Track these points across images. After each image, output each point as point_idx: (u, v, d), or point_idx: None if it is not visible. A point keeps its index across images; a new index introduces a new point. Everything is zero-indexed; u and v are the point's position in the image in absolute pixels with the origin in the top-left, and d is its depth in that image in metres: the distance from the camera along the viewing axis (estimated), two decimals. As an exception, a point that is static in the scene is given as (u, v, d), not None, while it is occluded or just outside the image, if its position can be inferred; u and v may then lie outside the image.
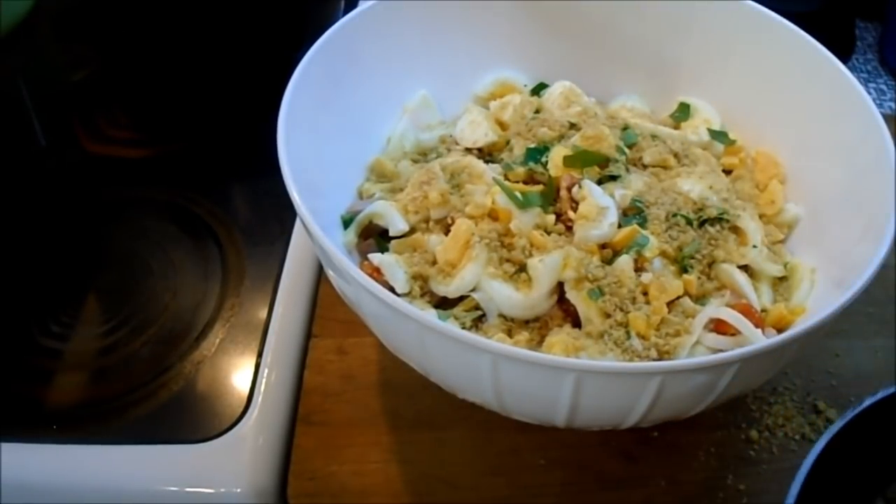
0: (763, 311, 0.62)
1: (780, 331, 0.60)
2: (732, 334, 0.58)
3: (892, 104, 1.06)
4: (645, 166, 0.68)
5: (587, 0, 0.74)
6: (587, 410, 0.52)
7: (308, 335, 0.72)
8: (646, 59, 0.76)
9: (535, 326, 0.60)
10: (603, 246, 0.61)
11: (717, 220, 0.63)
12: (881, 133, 0.61)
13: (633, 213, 0.63)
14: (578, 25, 0.76)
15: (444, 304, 0.61)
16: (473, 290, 0.60)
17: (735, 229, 0.64)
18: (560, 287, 0.59)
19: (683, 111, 0.75)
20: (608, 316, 0.57)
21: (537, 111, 0.72)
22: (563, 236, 0.61)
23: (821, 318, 0.51)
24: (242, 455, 0.64)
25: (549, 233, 0.61)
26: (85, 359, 0.71)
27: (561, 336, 0.57)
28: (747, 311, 0.59)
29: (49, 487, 0.63)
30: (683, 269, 0.61)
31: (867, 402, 0.43)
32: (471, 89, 0.77)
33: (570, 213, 0.61)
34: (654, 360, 0.56)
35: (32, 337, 0.72)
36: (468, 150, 0.71)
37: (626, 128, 0.69)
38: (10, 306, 0.75)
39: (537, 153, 0.66)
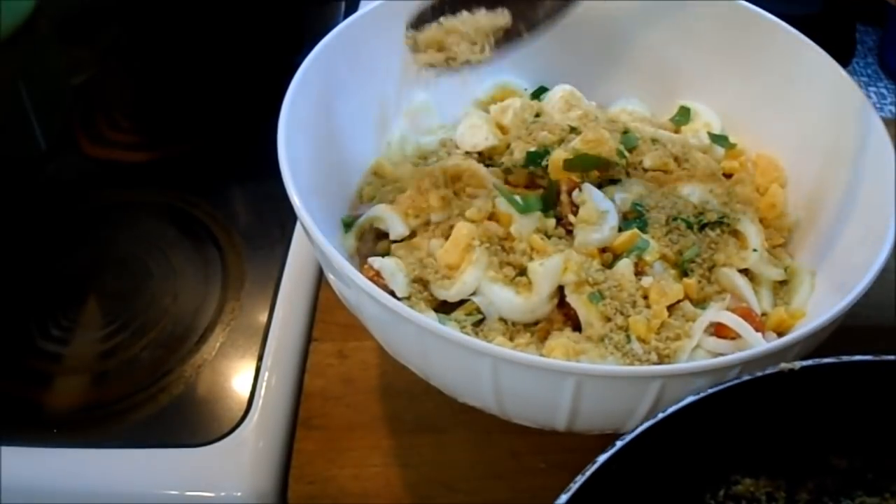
0: (763, 314, 0.62)
1: (780, 334, 0.60)
2: (733, 338, 0.58)
3: (893, 108, 1.07)
4: (645, 170, 0.68)
5: (588, 2, 0.74)
6: (588, 414, 0.52)
7: (308, 339, 0.72)
8: (646, 62, 0.76)
9: (535, 330, 0.60)
10: (603, 250, 0.61)
11: (718, 223, 0.63)
12: (881, 137, 0.61)
13: (633, 216, 0.63)
14: (578, 29, 0.75)
15: (444, 307, 0.61)
16: (474, 293, 0.60)
17: (735, 233, 0.64)
18: (560, 291, 0.59)
19: (684, 115, 0.75)
20: (608, 319, 0.57)
21: (537, 115, 0.72)
22: (564, 240, 0.61)
23: (821, 322, 0.51)
24: (243, 459, 0.64)
25: (549, 237, 0.61)
26: (85, 362, 0.71)
27: (561, 340, 0.57)
28: (748, 314, 0.59)
29: (49, 491, 0.63)
30: (684, 273, 0.61)
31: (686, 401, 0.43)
32: (471, 93, 0.77)
33: (571, 217, 0.61)
34: (655, 363, 0.56)
35: (32, 340, 0.72)
36: (468, 154, 0.70)
37: (626, 132, 0.69)
38: (11, 309, 0.75)
39: (537, 157, 0.66)
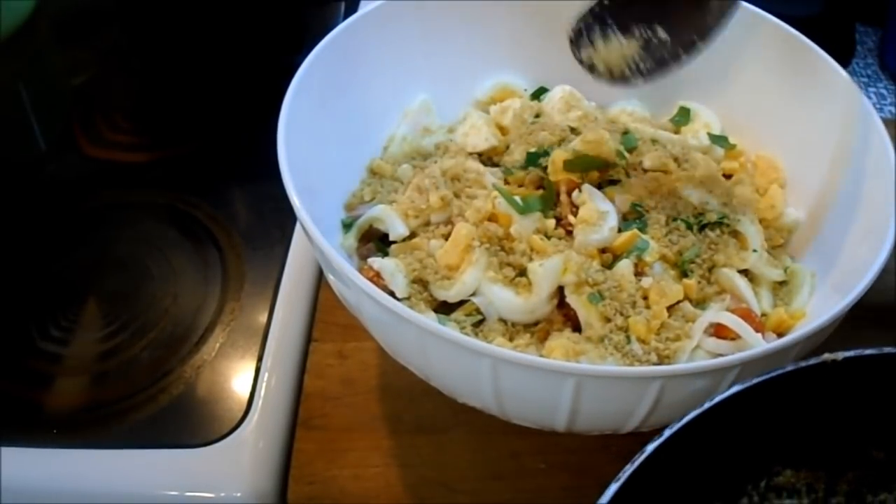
0: (763, 315, 0.62)
1: (780, 335, 0.60)
2: (733, 339, 0.58)
3: (893, 108, 1.06)
4: (645, 171, 0.68)
5: (587, 3, 0.74)
6: (587, 415, 0.52)
7: (308, 339, 0.72)
8: (646, 63, 0.76)
9: (535, 331, 0.60)
10: (603, 250, 0.61)
11: (717, 224, 0.63)
12: (881, 137, 0.61)
13: (633, 217, 0.63)
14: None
15: (444, 308, 0.61)
16: (473, 294, 0.60)
17: (735, 234, 0.64)
18: (560, 291, 0.59)
19: (683, 115, 0.75)
20: (608, 320, 0.57)
21: (537, 115, 0.72)
22: (564, 241, 0.61)
23: (821, 323, 0.51)
24: (243, 459, 0.64)
25: (549, 237, 0.61)
26: (85, 363, 0.71)
27: (561, 340, 0.57)
28: (747, 315, 0.59)
29: (49, 492, 0.63)
30: (683, 274, 0.61)
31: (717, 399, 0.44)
32: (471, 93, 0.77)
33: (571, 218, 0.61)
34: (654, 364, 0.56)
35: (32, 341, 0.72)
36: (468, 155, 0.71)
37: (626, 132, 0.69)
38: (10, 310, 0.75)
39: (537, 157, 0.66)
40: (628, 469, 0.41)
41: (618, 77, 0.62)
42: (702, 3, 0.60)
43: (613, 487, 0.41)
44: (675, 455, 0.43)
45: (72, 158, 0.89)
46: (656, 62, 0.61)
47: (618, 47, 0.62)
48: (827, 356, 0.45)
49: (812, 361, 0.44)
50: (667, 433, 0.42)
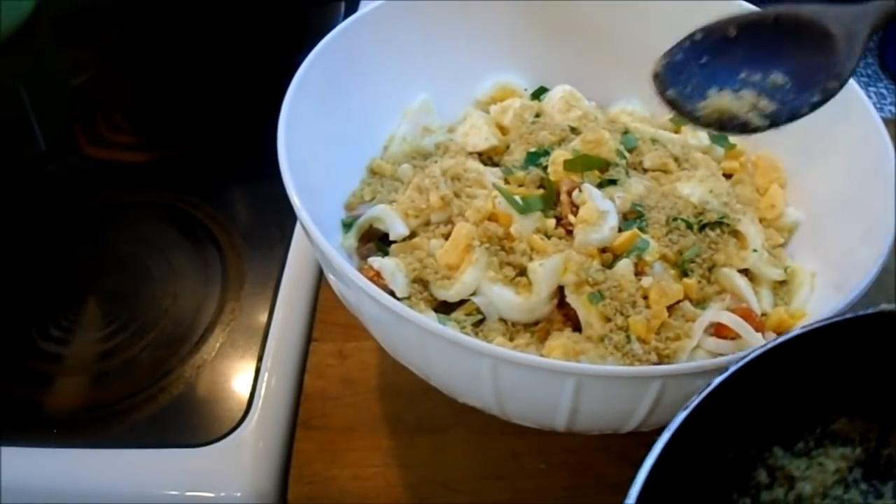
0: (763, 315, 0.62)
1: (780, 335, 0.60)
2: (733, 338, 0.58)
3: (892, 108, 1.06)
4: (645, 170, 0.68)
5: (588, 2, 0.74)
6: (587, 414, 0.52)
7: (308, 339, 0.73)
8: (646, 62, 0.75)
9: (535, 330, 0.60)
10: (603, 250, 0.61)
11: (718, 224, 0.63)
12: (881, 137, 0.61)
13: (633, 217, 0.63)
14: (579, 29, 0.76)
15: (444, 307, 0.61)
16: (474, 293, 0.60)
17: (735, 233, 0.64)
18: (560, 291, 0.59)
19: (683, 115, 0.74)
20: (608, 320, 0.57)
21: (537, 115, 0.72)
22: (564, 240, 0.61)
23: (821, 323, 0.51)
24: (243, 459, 0.64)
25: (549, 237, 0.61)
26: (85, 363, 0.71)
27: (561, 340, 0.57)
28: (747, 315, 0.59)
29: (49, 491, 0.63)
30: (684, 273, 0.61)
31: (745, 359, 0.44)
32: (471, 93, 0.77)
33: (571, 218, 0.61)
34: (655, 363, 0.56)
35: (33, 341, 0.72)
36: (469, 154, 0.71)
37: (626, 132, 0.70)
38: (11, 310, 0.75)
39: (537, 157, 0.66)
40: (696, 399, 0.42)
41: (731, 124, 0.51)
42: (825, 48, 0.51)
43: (682, 416, 0.41)
44: (738, 392, 0.43)
45: (72, 158, 0.89)
46: (781, 104, 0.52)
47: (726, 92, 0.52)
48: (884, 306, 0.45)
49: (870, 311, 0.45)
50: (732, 369, 0.43)
